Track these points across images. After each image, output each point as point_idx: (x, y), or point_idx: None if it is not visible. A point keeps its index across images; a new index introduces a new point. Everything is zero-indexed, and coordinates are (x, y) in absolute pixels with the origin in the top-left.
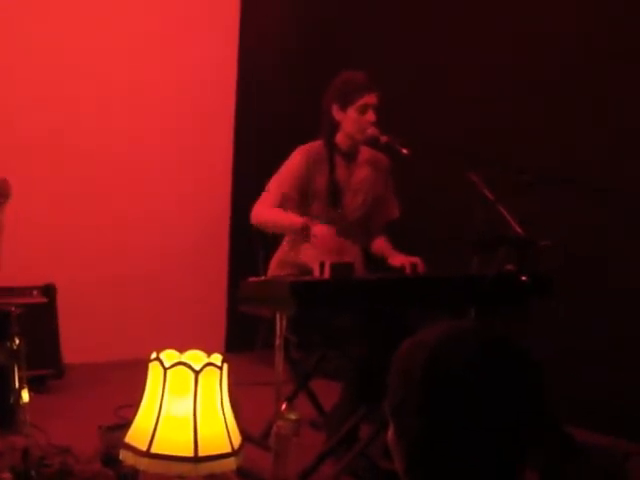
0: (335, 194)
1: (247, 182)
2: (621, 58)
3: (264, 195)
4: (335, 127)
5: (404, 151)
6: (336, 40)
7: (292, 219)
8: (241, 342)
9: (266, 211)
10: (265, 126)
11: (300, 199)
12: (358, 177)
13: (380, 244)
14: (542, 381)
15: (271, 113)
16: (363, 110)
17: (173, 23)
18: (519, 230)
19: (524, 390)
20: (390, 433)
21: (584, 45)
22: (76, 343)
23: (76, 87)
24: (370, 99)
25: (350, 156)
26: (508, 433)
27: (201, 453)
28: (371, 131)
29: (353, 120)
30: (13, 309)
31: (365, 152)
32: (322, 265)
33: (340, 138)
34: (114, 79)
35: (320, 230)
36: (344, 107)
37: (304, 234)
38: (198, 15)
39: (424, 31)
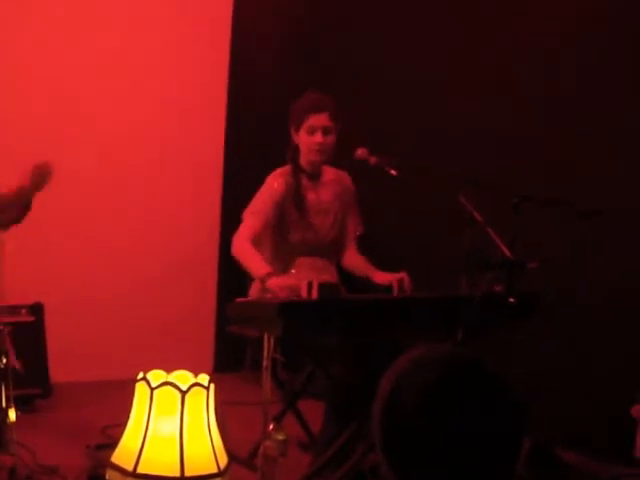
0: (307, 218)
1: (236, 203)
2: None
3: (241, 227)
4: (297, 150)
5: (393, 172)
6: (329, 46)
7: (256, 267)
8: (229, 362)
9: (240, 247)
10: (257, 143)
11: (277, 230)
12: (325, 198)
13: (356, 261)
14: (523, 410)
15: (263, 130)
16: (311, 131)
17: (164, 29)
18: (507, 252)
19: (501, 420)
20: None
21: (583, 62)
22: (64, 362)
23: (66, 103)
24: (316, 120)
25: (315, 177)
26: (485, 465)
27: (187, 473)
28: (360, 152)
29: (303, 142)
30: (1, 328)
31: (328, 173)
32: (310, 285)
33: (303, 160)
34: (104, 94)
35: (273, 285)
36: (297, 129)
37: (262, 284)
38: (189, 21)
39: (421, 48)
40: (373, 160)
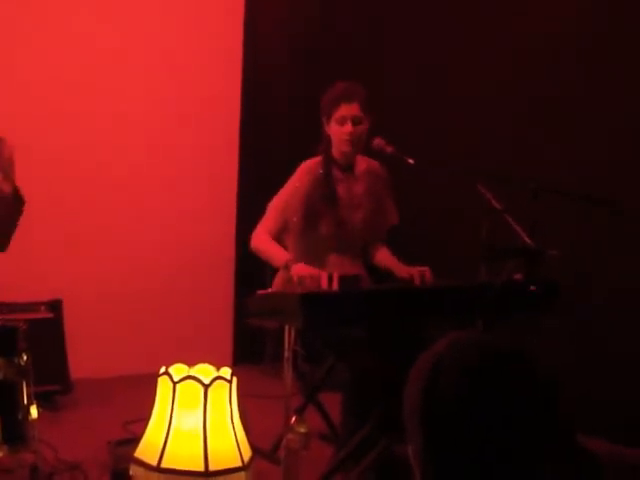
0: (337, 211)
1: (253, 196)
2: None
3: (263, 220)
4: (328, 141)
5: (410, 161)
6: (342, 42)
7: (277, 256)
8: (248, 355)
9: (260, 240)
10: (272, 138)
11: (307, 223)
12: (357, 191)
13: (383, 256)
14: (556, 394)
15: (278, 117)
16: (342, 122)
17: (177, 28)
18: (528, 240)
19: (536, 406)
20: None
21: (599, 48)
22: (83, 358)
23: (83, 102)
24: (346, 110)
25: (347, 169)
26: (520, 450)
27: (211, 468)
28: (377, 142)
29: (334, 132)
30: (20, 325)
31: (361, 163)
32: (330, 277)
33: (335, 151)
34: (118, 95)
35: (297, 271)
36: (328, 120)
37: (286, 272)
38: (202, 20)
39: (430, 34)
40: (390, 149)
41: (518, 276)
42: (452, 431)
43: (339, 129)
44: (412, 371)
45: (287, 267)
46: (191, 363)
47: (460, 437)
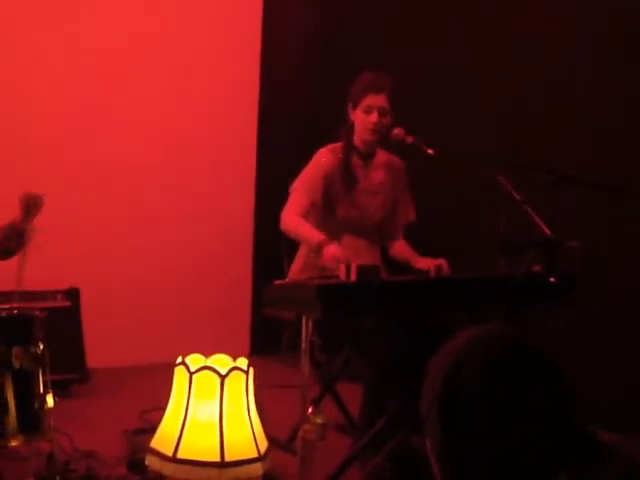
0: (355, 196)
1: (270, 186)
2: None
3: (290, 200)
4: (351, 127)
5: (430, 152)
6: (359, 40)
7: (310, 235)
8: (265, 345)
9: (291, 220)
10: (288, 128)
11: (324, 204)
12: (376, 179)
13: (401, 248)
14: (573, 390)
15: (294, 115)
16: (368, 111)
17: (195, 27)
18: (547, 231)
19: (554, 400)
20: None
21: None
22: (100, 347)
23: (100, 93)
24: (373, 100)
25: (367, 157)
26: (538, 444)
27: (227, 458)
28: (397, 132)
29: (359, 120)
30: (37, 313)
31: (381, 155)
32: (348, 268)
33: (357, 139)
34: (137, 86)
35: (329, 252)
36: (354, 107)
37: (318, 252)
38: (220, 19)
39: (447, 31)
40: (409, 140)
41: (537, 268)
42: (472, 425)
43: (365, 117)
44: (432, 364)
45: (320, 247)
46: (208, 353)
47: (480, 431)
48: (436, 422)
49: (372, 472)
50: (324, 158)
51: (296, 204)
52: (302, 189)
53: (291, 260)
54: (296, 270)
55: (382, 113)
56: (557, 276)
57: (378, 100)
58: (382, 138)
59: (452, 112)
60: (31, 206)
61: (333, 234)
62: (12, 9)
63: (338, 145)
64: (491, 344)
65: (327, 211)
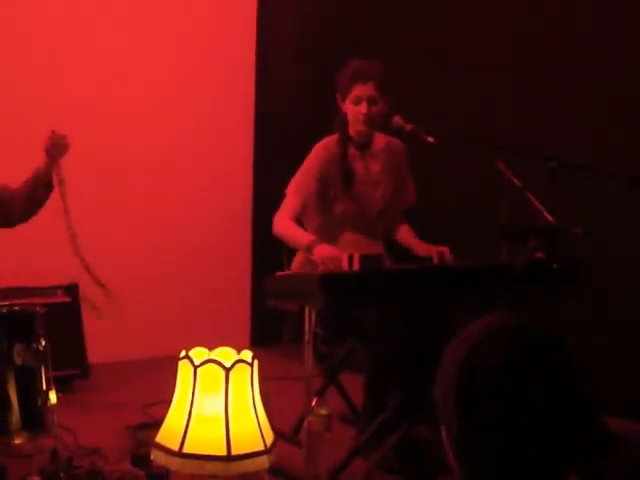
0: (354, 189)
1: (269, 177)
2: None
3: (283, 204)
4: (344, 118)
5: (429, 139)
6: (354, 34)
7: (300, 237)
8: (266, 336)
9: (282, 224)
10: (285, 120)
11: (322, 202)
12: (375, 169)
13: (404, 233)
14: (589, 379)
15: (291, 109)
16: (357, 102)
17: (190, 25)
18: (549, 218)
19: (571, 392)
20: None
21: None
22: (100, 342)
23: (98, 93)
24: (361, 90)
25: (364, 147)
26: (555, 435)
27: (234, 452)
28: (396, 120)
29: (350, 112)
30: (38, 309)
31: (380, 140)
32: (351, 258)
33: (351, 130)
34: (134, 81)
35: (320, 252)
36: (343, 98)
37: (309, 254)
38: (215, 17)
39: (444, 16)
40: (409, 127)
41: (540, 254)
42: (489, 413)
43: (354, 108)
44: (446, 354)
45: (310, 249)
46: (209, 345)
47: (497, 419)
48: (453, 410)
49: (378, 463)
50: (318, 156)
51: (287, 207)
52: (294, 191)
53: (290, 252)
54: (298, 263)
55: (372, 102)
56: (560, 263)
57: (366, 90)
58: (377, 125)
59: (453, 100)
60: (56, 147)
61: (333, 231)
62: (11, 10)
63: (333, 138)
64: (506, 334)
65: (326, 209)
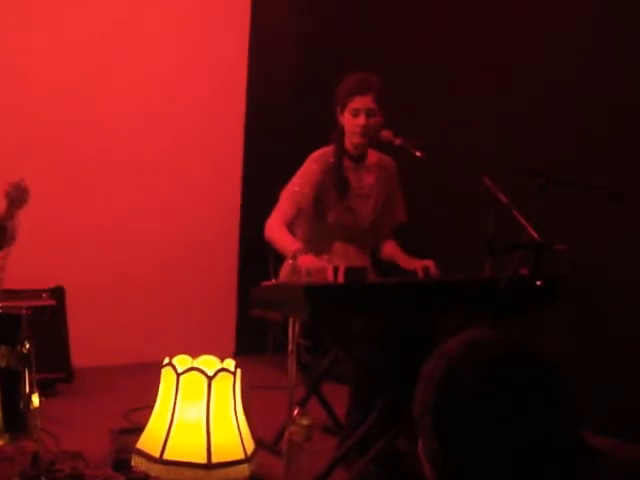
0: (347, 201)
1: (257, 186)
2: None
3: (276, 208)
4: (342, 131)
5: (418, 153)
6: (349, 41)
7: (287, 244)
8: (250, 345)
9: (273, 228)
10: (275, 129)
11: (315, 211)
12: (367, 182)
13: (390, 248)
14: (568, 392)
15: (281, 117)
16: (355, 114)
17: (183, 28)
18: (534, 234)
19: (550, 406)
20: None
21: (603, 43)
22: (85, 346)
23: (86, 89)
24: (360, 102)
25: (359, 159)
26: (533, 450)
27: (214, 460)
28: (385, 134)
29: (348, 123)
30: (23, 312)
31: (373, 156)
32: (336, 269)
33: (347, 142)
34: (124, 83)
35: (304, 261)
36: (342, 111)
37: (294, 262)
38: (209, 19)
39: (435, 32)
40: (398, 141)
41: (524, 270)
42: (467, 431)
43: (352, 120)
44: (424, 371)
45: (295, 257)
46: (193, 352)
47: (475, 437)
48: (429, 426)
49: (358, 475)
50: (314, 166)
51: (281, 212)
52: (288, 197)
53: (277, 261)
54: (285, 272)
55: (370, 114)
56: (544, 279)
57: (365, 102)
58: (372, 137)
59: (445, 113)
60: (15, 199)
61: (324, 240)
62: (1, 8)
63: (329, 149)
64: (483, 350)
65: (318, 218)
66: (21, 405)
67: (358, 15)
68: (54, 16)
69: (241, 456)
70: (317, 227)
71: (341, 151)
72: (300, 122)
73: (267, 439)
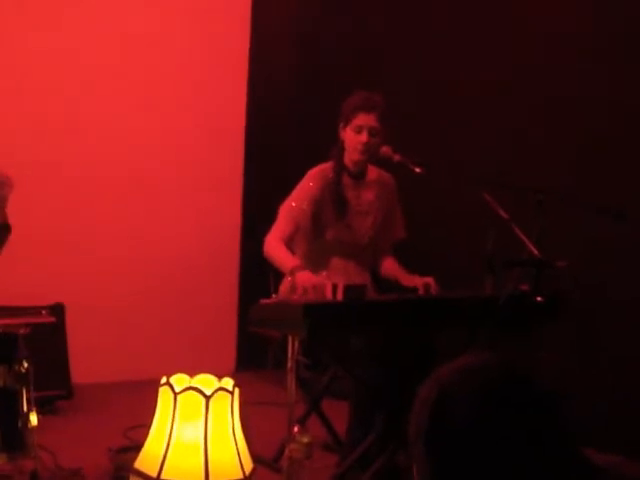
0: (346, 219)
1: (257, 203)
2: None
3: (275, 225)
4: (342, 147)
5: (417, 170)
6: (349, 41)
7: (285, 260)
8: (251, 361)
9: (272, 246)
10: (275, 147)
11: (314, 226)
12: (366, 199)
13: (389, 266)
14: (564, 414)
15: (282, 132)
16: (358, 130)
17: (183, 28)
18: (534, 251)
19: (544, 428)
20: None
21: (601, 59)
22: (85, 363)
23: (86, 90)
24: (364, 120)
25: (358, 176)
26: (534, 471)
27: None
28: (384, 150)
29: (349, 140)
30: (21, 331)
31: (372, 172)
32: (335, 287)
33: (347, 158)
34: (123, 96)
35: (301, 278)
36: (345, 126)
37: (291, 279)
38: (209, 20)
39: (436, 48)
40: (397, 157)
41: (524, 287)
42: (460, 457)
43: (355, 137)
44: (419, 393)
45: (292, 274)
46: (193, 369)
47: (469, 463)
48: (423, 451)
49: None
50: (312, 182)
51: (279, 229)
52: (287, 214)
53: (277, 277)
54: (285, 289)
55: (372, 133)
56: (544, 296)
57: (369, 120)
58: (372, 156)
59: (445, 128)
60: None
61: (322, 256)
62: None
63: (328, 165)
64: (475, 377)
65: (316, 234)
66: (19, 424)
67: (358, 15)
68: (54, 16)
69: (239, 476)
70: (316, 244)
71: (340, 167)
72: (300, 122)
73: (267, 456)
